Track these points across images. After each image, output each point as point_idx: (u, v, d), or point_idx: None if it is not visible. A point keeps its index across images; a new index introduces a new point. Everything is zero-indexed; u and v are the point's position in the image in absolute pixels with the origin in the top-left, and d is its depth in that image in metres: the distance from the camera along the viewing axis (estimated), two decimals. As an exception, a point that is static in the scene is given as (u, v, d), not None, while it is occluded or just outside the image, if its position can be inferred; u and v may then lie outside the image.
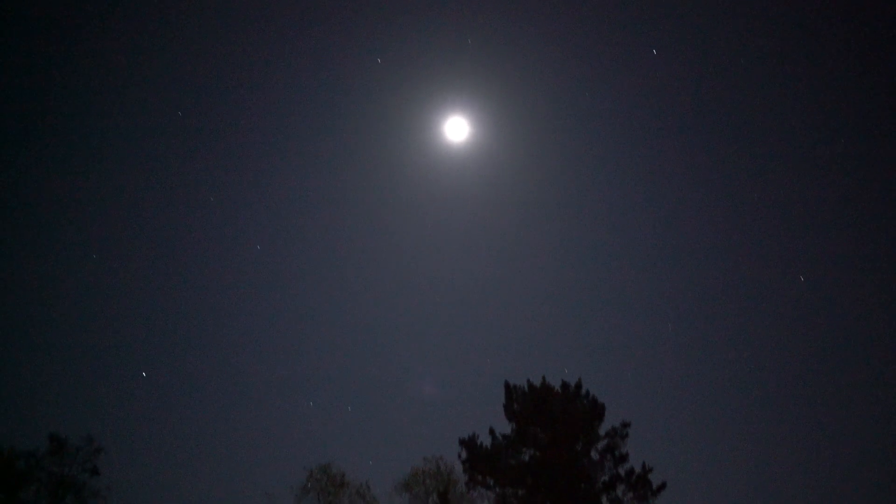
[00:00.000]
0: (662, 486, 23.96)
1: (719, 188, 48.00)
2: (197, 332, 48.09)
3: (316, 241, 50.71)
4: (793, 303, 46.16)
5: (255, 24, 44.98)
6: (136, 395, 42.09)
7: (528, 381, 26.29)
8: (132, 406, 41.26)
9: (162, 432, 40.41)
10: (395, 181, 46.19)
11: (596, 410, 25.40)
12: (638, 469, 24.49)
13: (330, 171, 49.36)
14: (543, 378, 26.26)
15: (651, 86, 45.48)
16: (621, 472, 24.64)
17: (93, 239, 47.08)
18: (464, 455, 25.66)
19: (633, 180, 49.21)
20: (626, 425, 25.06)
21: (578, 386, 26.04)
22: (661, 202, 48.92)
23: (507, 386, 26.33)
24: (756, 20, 42.83)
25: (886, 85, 42.42)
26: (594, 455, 25.23)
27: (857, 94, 43.58)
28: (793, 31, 42.57)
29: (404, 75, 42.05)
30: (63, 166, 46.17)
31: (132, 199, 48.25)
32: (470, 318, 50.52)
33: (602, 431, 25.42)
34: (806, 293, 44.59)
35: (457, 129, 39.64)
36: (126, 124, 47.89)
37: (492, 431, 25.57)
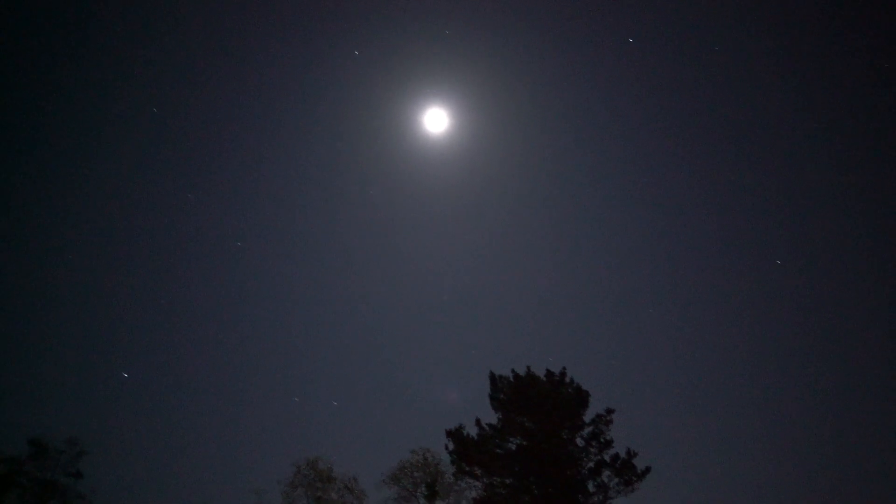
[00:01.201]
0: (647, 471, 24.32)
1: (698, 176, 48.49)
2: (179, 331, 47.61)
3: (296, 237, 50.37)
4: (770, 286, 46.94)
5: (230, 17, 44.29)
6: (118, 396, 41.58)
7: (514, 370, 26.50)
8: (114, 407, 40.76)
9: (146, 433, 40.03)
10: (375, 173, 45.98)
11: (580, 398, 25.67)
12: (623, 454, 24.80)
13: (308, 165, 48.97)
14: (528, 367, 26.51)
15: (629, 75, 45.68)
16: (606, 457, 24.94)
17: (69, 238, 46.24)
18: (451, 446, 25.77)
19: (613, 170, 49.53)
20: (610, 412, 25.38)
21: (563, 374, 26.29)
22: (640, 190, 49.33)
23: (492, 376, 26.49)
24: (727, 7, 43.16)
25: (866, 74, 43.12)
26: (580, 441, 25.51)
27: (835, 83, 44.25)
28: (769, 21, 43.02)
29: (382, 67, 41.75)
30: (40, 164, 45.19)
31: (110, 198, 47.40)
32: (454, 310, 50.62)
33: (587, 418, 25.71)
34: (782, 276, 45.37)
35: (436, 120, 39.48)
36: (100, 120, 46.94)
37: (478, 422, 25.73)
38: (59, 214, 44.89)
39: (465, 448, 25.55)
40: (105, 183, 47.32)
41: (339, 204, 49.20)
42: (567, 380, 26.06)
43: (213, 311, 49.31)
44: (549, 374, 26.24)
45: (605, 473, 24.74)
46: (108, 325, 46.47)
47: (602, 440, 25.11)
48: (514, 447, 25.35)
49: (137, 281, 48.44)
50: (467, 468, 25.65)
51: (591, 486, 24.80)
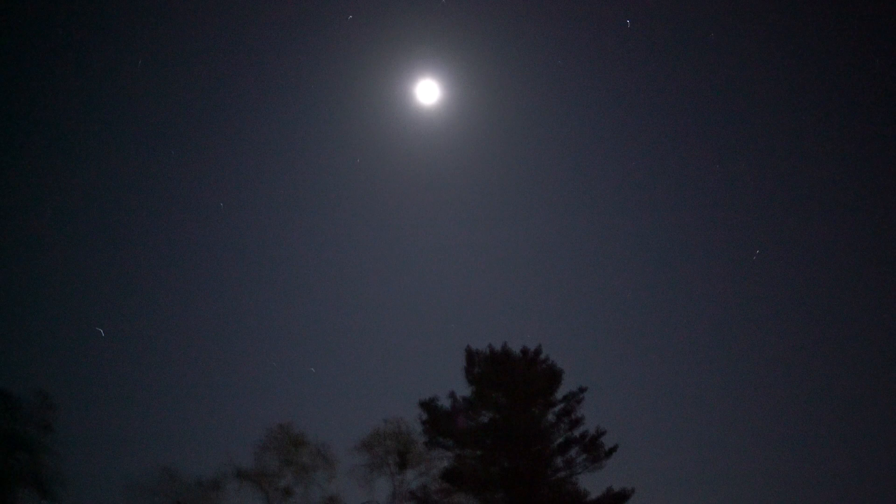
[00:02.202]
0: (614, 449, 24.95)
1: (679, 160, 48.60)
2: (155, 290, 47.01)
3: (280, 201, 49.69)
4: (747, 274, 47.66)
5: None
6: (92, 352, 41.14)
7: (490, 345, 26.83)
8: (87, 363, 40.35)
9: (120, 390, 39.80)
10: (364, 141, 45.34)
11: (554, 375, 26.10)
12: (592, 432, 25.35)
13: (294, 130, 48.07)
14: (504, 343, 26.84)
15: (625, 56, 45.28)
16: (575, 434, 25.49)
17: (40, 191, 45.08)
18: (424, 417, 26.19)
19: (600, 151, 49.42)
20: (582, 390, 25.84)
21: (538, 352, 26.66)
22: (624, 173, 49.39)
23: (468, 350, 26.80)
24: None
25: (848, 64, 43.33)
26: (551, 418, 26.02)
27: (818, 73, 44.40)
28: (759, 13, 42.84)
29: (376, 33, 40.88)
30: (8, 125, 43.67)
31: (81, 150, 46.09)
32: (435, 284, 50.72)
33: (559, 396, 26.20)
34: (760, 267, 46.03)
35: (428, 91, 38.89)
36: (80, 71, 45.45)
37: (452, 394, 26.10)
38: (24, 164, 43.50)
39: (438, 419, 25.96)
40: (77, 133, 46.03)
41: (325, 171, 48.62)
42: (541, 357, 26.44)
43: (192, 273, 48.82)
44: (525, 350, 26.58)
45: (574, 450, 25.31)
46: (82, 280, 45.72)
47: (572, 417, 25.62)
48: (485, 420, 25.79)
49: (113, 239, 47.57)
50: (439, 439, 26.09)
51: (558, 462, 25.36)
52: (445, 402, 26.24)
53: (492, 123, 43.40)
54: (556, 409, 25.99)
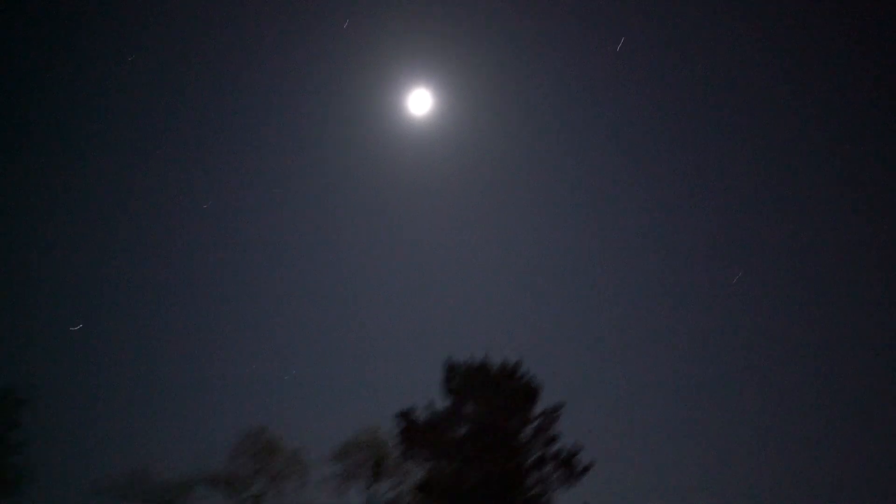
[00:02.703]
0: (587, 468, 24.99)
1: (666, 171, 49.10)
2: (133, 290, 46.46)
3: (267, 208, 49.48)
4: (731, 291, 48.04)
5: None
6: (66, 350, 40.51)
7: (468, 359, 26.80)
8: (63, 361, 39.72)
9: (93, 389, 39.24)
10: (354, 151, 45.39)
11: (531, 391, 26.15)
12: (568, 450, 25.37)
13: (288, 135, 48.05)
14: (483, 357, 26.84)
15: (616, 69, 45.73)
16: (551, 451, 25.50)
17: (21, 186, 44.45)
18: (400, 427, 26.08)
19: (590, 162, 49.84)
20: (558, 408, 25.92)
21: (517, 366, 26.71)
22: (614, 182, 49.84)
23: (446, 363, 26.78)
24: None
25: (843, 73, 44.10)
26: (527, 433, 26.00)
27: (818, 75, 45.06)
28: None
29: (370, 43, 41.03)
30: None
31: (67, 146, 45.62)
32: (421, 290, 50.69)
33: (536, 411, 26.21)
34: (748, 276, 46.42)
35: (420, 101, 39.14)
36: (71, 66, 45.09)
37: (429, 406, 26.05)
38: (10, 161, 42.94)
39: (414, 430, 25.90)
40: (67, 130, 45.57)
41: (316, 177, 48.57)
42: (520, 372, 26.46)
43: (173, 273, 48.34)
44: (504, 364, 26.61)
45: (549, 466, 25.32)
46: (59, 277, 45.08)
47: (548, 434, 25.64)
48: (461, 434, 25.73)
49: (93, 237, 46.98)
50: (414, 450, 25.98)
51: (533, 478, 25.33)
52: (423, 413, 26.19)
53: (482, 132, 43.70)
54: (533, 424, 26.01)
